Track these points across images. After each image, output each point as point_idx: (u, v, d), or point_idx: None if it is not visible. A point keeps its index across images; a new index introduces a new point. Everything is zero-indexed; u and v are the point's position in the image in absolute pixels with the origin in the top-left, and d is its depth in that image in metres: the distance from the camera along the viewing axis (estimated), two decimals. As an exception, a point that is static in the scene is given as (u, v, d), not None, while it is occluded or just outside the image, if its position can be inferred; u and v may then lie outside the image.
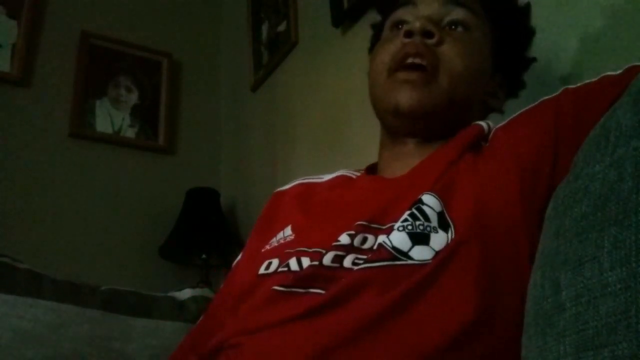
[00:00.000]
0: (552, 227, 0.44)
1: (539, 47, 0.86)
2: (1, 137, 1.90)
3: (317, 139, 1.65)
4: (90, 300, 1.07)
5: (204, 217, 1.97)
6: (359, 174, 0.83)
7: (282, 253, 0.66)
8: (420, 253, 0.56)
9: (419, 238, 0.57)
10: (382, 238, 0.58)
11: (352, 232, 0.61)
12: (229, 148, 2.27)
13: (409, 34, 0.73)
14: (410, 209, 0.59)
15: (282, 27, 1.87)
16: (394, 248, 0.56)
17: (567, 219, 0.42)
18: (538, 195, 0.57)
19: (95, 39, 2.15)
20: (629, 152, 0.38)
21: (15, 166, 1.90)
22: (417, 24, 0.72)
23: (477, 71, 0.75)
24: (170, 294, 1.24)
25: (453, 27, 0.75)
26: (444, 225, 0.58)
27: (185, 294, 1.23)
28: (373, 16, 0.94)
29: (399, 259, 0.55)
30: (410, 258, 0.55)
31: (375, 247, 0.59)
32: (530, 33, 0.84)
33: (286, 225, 0.72)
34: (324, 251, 0.60)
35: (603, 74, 0.61)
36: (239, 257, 0.84)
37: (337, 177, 0.84)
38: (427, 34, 0.72)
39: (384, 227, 0.61)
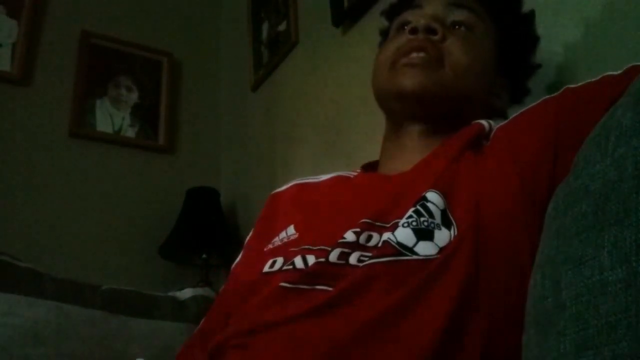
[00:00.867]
0: (553, 226, 0.44)
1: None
2: (1, 137, 1.90)
3: (317, 138, 1.65)
4: (91, 300, 1.07)
5: (204, 217, 1.97)
6: (355, 173, 0.83)
7: (287, 251, 0.66)
8: (425, 248, 0.56)
9: (424, 234, 0.57)
10: (386, 235, 0.59)
11: (358, 229, 0.62)
12: (229, 147, 2.27)
13: (414, 30, 0.75)
14: (414, 205, 0.60)
15: (282, 27, 1.87)
16: (398, 244, 0.57)
17: (568, 219, 0.42)
18: (538, 194, 0.57)
19: (95, 39, 2.16)
20: (629, 151, 0.38)
21: (16, 166, 1.90)
22: (422, 22, 0.74)
23: (480, 68, 0.76)
24: (171, 293, 1.24)
25: (456, 26, 0.77)
26: (446, 223, 0.58)
27: (186, 293, 1.23)
28: (373, 16, 0.94)
29: (404, 254, 0.56)
30: (415, 253, 0.56)
31: (380, 244, 0.59)
32: (534, 39, 0.84)
33: (288, 225, 0.73)
34: (329, 248, 0.61)
35: (603, 74, 0.62)
36: (238, 258, 0.83)
37: (334, 177, 0.84)
38: (431, 31, 0.74)
39: (387, 225, 0.62)
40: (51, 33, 2.10)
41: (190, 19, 2.43)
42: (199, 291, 1.26)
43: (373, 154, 0.86)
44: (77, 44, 2.12)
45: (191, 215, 1.97)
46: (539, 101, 0.67)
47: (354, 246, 0.60)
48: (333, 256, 0.59)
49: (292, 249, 0.66)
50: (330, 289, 0.57)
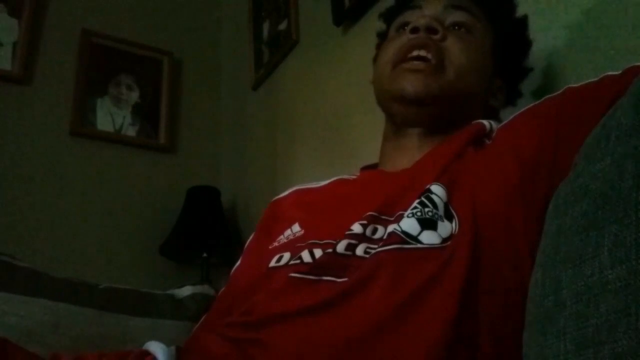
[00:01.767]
0: (553, 225, 0.44)
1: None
2: (2, 136, 1.90)
3: (317, 138, 1.65)
4: (89, 299, 1.07)
5: (205, 216, 1.97)
6: (354, 176, 0.84)
7: (293, 247, 0.67)
8: (429, 237, 0.57)
9: (428, 223, 0.58)
10: (392, 227, 0.59)
11: (364, 222, 0.63)
12: (230, 146, 2.27)
13: (415, 30, 0.76)
14: (419, 197, 0.61)
15: (283, 26, 1.87)
16: (403, 232, 0.57)
17: (568, 217, 0.42)
18: (538, 192, 0.58)
19: (96, 38, 2.16)
20: (630, 150, 0.38)
21: (16, 164, 1.90)
22: (422, 21, 0.75)
23: (479, 68, 0.77)
24: (170, 291, 1.23)
25: (455, 27, 0.78)
26: (448, 216, 0.59)
27: (185, 291, 1.23)
28: (374, 15, 0.94)
29: (409, 243, 0.57)
30: (420, 242, 0.57)
31: (385, 236, 0.60)
32: (528, 43, 0.85)
33: (293, 223, 0.73)
34: (336, 241, 0.61)
35: (604, 74, 0.62)
36: (238, 263, 0.84)
37: (334, 180, 0.86)
38: (431, 30, 0.75)
39: (392, 218, 0.63)
40: (52, 32, 2.10)
41: (191, 18, 2.43)
42: (198, 289, 1.25)
43: (373, 153, 0.86)
44: (77, 43, 2.12)
45: (192, 214, 1.97)
46: (540, 100, 0.67)
47: (361, 238, 0.61)
48: (340, 247, 0.60)
49: (299, 245, 0.67)
50: (337, 279, 0.57)
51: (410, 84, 0.73)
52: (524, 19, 0.85)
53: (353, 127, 1.46)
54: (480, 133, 0.71)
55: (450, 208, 0.60)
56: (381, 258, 0.57)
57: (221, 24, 2.48)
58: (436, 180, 0.63)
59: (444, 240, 0.57)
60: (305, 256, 0.63)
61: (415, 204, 0.60)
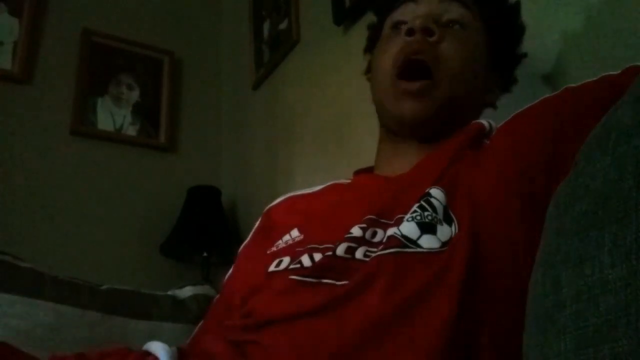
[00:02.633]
0: (553, 225, 0.44)
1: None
2: (2, 135, 1.90)
3: (318, 137, 1.65)
4: (91, 301, 1.07)
5: (205, 215, 1.97)
6: (349, 180, 0.84)
7: (293, 251, 0.67)
8: (429, 242, 0.57)
9: (427, 227, 0.58)
10: (391, 231, 0.59)
11: (364, 225, 0.62)
12: (230, 146, 2.27)
13: (410, 32, 0.75)
14: (419, 201, 0.61)
15: (283, 25, 1.87)
16: (403, 236, 0.57)
17: (568, 217, 0.42)
18: (537, 192, 0.57)
19: (96, 37, 2.16)
20: (630, 150, 0.38)
21: (17, 164, 1.90)
22: (417, 22, 0.74)
23: (474, 68, 0.77)
24: (171, 292, 1.23)
25: (451, 24, 0.77)
26: (448, 219, 0.59)
27: (186, 292, 1.23)
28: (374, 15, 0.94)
29: (408, 247, 0.57)
30: (419, 246, 0.57)
31: (385, 240, 0.60)
32: (521, 29, 0.85)
33: (291, 229, 0.73)
34: (335, 244, 0.61)
35: (603, 74, 0.62)
36: (231, 270, 0.83)
37: (329, 185, 0.85)
38: (427, 32, 0.74)
39: (391, 222, 0.62)
40: (52, 31, 2.10)
41: (192, 17, 2.43)
42: (199, 289, 1.25)
43: (374, 152, 0.86)
44: (78, 42, 2.12)
45: (192, 214, 1.98)
46: (538, 100, 0.67)
47: (360, 241, 0.61)
48: (340, 250, 0.60)
49: (299, 249, 0.66)
50: (337, 282, 0.58)
51: (408, 111, 0.73)
52: (516, 5, 0.85)
53: (353, 126, 1.47)
54: (480, 133, 0.70)
55: (450, 211, 0.60)
56: (381, 261, 0.56)
57: (222, 24, 2.48)
58: (435, 183, 0.63)
59: (444, 244, 0.57)
60: (305, 260, 0.63)
61: (415, 207, 0.60)
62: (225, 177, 2.25)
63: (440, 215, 0.59)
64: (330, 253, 0.60)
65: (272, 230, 0.79)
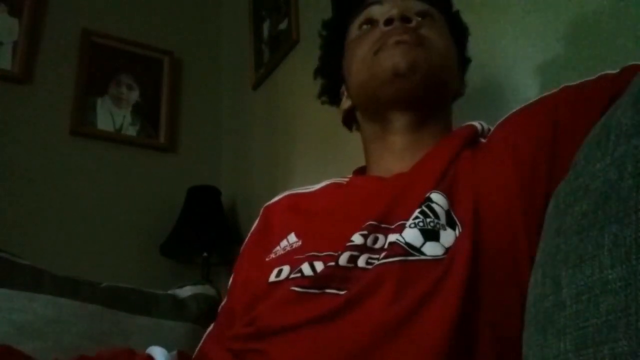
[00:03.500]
0: (553, 225, 0.44)
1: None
2: (2, 135, 1.91)
3: (317, 137, 1.65)
4: (91, 296, 1.07)
5: (205, 215, 1.97)
6: (347, 179, 0.83)
7: (292, 259, 0.66)
8: (432, 249, 0.56)
9: (430, 234, 0.57)
10: (393, 237, 0.59)
11: (365, 232, 0.62)
12: (230, 146, 2.27)
13: (389, 21, 0.74)
14: (420, 206, 0.60)
15: (283, 25, 1.87)
16: (406, 244, 0.57)
17: (568, 217, 0.42)
18: (537, 192, 0.57)
19: (96, 37, 2.16)
20: (630, 150, 0.38)
21: (17, 164, 1.91)
22: (395, 11, 0.73)
23: (453, 54, 0.77)
24: (171, 291, 1.23)
25: (422, 16, 0.77)
26: (451, 224, 0.59)
27: (186, 291, 1.23)
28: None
29: (412, 254, 0.56)
30: (423, 254, 0.56)
31: (386, 246, 0.59)
32: (466, 34, 0.86)
33: (289, 233, 0.72)
34: (336, 253, 0.60)
35: (601, 73, 0.62)
36: (234, 274, 0.82)
37: (327, 184, 0.84)
38: (406, 20, 0.73)
39: (392, 227, 0.62)
40: (52, 31, 2.10)
41: (192, 17, 2.43)
42: (199, 289, 1.25)
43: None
44: (78, 43, 2.12)
45: (192, 214, 1.98)
46: (536, 99, 0.67)
47: (362, 249, 0.60)
48: (343, 260, 0.59)
49: (298, 257, 0.65)
50: (339, 292, 0.57)
51: (401, 57, 0.70)
52: (457, 12, 0.86)
53: (353, 126, 1.46)
54: (474, 135, 0.70)
55: (453, 215, 0.60)
56: (385, 270, 0.56)
57: (221, 24, 2.48)
58: (435, 187, 0.62)
59: (447, 250, 0.56)
60: (306, 269, 0.62)
61: (416, 213, 0.59)
62: (225, 177, 2.25)
63: (443, 220, 0.59)
64: (332, 263, 0.60)
65: (269, 231, 0.78)
